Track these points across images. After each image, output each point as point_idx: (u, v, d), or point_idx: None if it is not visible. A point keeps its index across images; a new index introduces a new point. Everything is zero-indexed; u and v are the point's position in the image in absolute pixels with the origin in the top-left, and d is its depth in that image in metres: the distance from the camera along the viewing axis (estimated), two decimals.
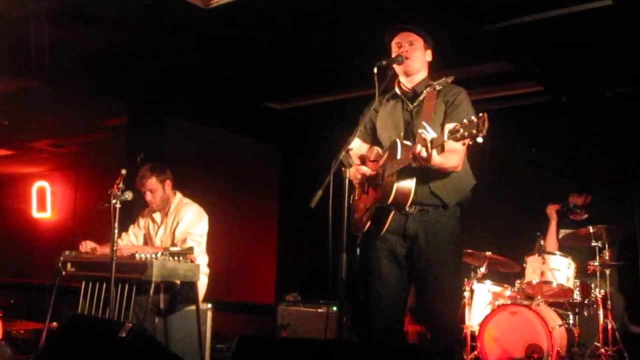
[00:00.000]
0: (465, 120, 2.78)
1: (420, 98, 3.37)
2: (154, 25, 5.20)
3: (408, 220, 3.28)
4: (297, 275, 7.58)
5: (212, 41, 5.52)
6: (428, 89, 3.36)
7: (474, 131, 2.71)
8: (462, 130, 2.76)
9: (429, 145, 2.89)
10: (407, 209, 3.25)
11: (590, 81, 6.20)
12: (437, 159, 2.98)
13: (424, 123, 3.02)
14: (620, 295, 5.52)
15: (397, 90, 3.47)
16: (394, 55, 3.39)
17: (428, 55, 3.46)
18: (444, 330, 3.25)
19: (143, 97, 7.01)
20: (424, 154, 2.90)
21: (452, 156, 3.17)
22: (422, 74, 3.44)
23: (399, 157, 3.14)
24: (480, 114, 2.73)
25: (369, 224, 3.30)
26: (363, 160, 3.50)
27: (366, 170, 3.34)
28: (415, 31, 3.40)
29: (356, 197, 3.45)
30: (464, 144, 2.82)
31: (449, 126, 3.08)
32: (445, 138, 2.85)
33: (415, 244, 3.28)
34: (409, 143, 3.22)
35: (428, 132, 2.92)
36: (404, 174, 3.13)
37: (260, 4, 4.69)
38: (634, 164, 5.92)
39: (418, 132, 3.00)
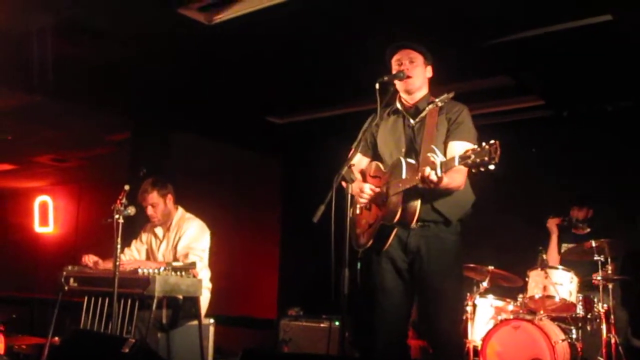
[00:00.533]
0: (476, 147, 2.78)
1: (422, 115, 3.37)
2: (158, 40, 5.23)
3: (410, 235, 3.29)
4: (300, 289, 7.57)
5: (215, 57, 5.56)
6: (430, 105, 3.37)
7: (486, 158, 2.72)
8: (473, 157, 2.77)
9: (438, 169, 2.89)
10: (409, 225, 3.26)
11: (591, 95, 6.22)
12: (444, 180, 2.99)
13: (433, 147, 3.02)
14: (623, 309, 5.50)
15: (399, 105, 3.48)
16: (394, 72, 3.40)
17: (428, 72, 3.47)
18: (446, 344, 3.25)
19: (146, 112, 7.05)
20: (433, 177, 2.90)
21: (457, 175, 3.18)
22: (423, 90, 3.45)
23: (404, 176, 3.15)
24: (492, 141, 2.74)
25: (371, 241, 3.31)
26: (363, 174, 3.51)
27: (370, 189, 3.33)
28: (415, 48, 3.41)
29: (357, 212, 3.45)
30: (473, 170, 2.82)
31: (456, 148, 3.13)
32: (456, 163, 2.85)
33: (416, 258, 3.29)
34: (412, 161, 3.23)
35: (437, 156, 2.92)
36: (409, 193, 3.14)
37: (263, 20, 4.72)
38: (636, 177, 5.93)
39: (427, 155, 3.00)
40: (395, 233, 3.28)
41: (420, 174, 2.96)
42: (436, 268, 3.25)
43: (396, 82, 3.39)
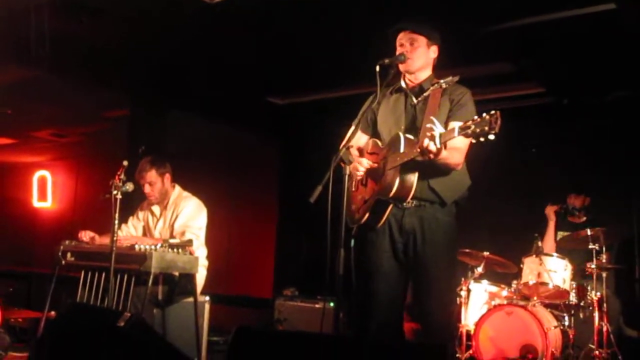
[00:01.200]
0: (476, 117, 2.79)
1: (426, 94, 3.38)
2: (158, 18, 5.21)
3: (405, 214, 3.30)
4: (295, 270, 7.61)
5: (216, 35, 5.53)
6: (435, 86, 3.37)
7: (486, 128, 2.73)
8: (473, 127, 2.78)
9: (437, 139, 2.90)
10: (404, 204, 3.27)
11: (592, 84, 6.21)
12: (443, 153, 3.00)
13: (432, 118, 3.02)
14: (616, 298, 5.54)
15: (403, 84, 3.48)
16: (397, 53, 3.40)
17: (432, 52, 3.44)
18: (437, 327, 3.27)
19: (145, 89, 7.02)
20: (432, 147, 2.90)
21: (456, 153, 3.19)
22: (426, 71, 3.45)
23: (402, 150, 3.15)
24: (493, 111, 2.74)
25: (366, 216, 3.31)
26: (360, 152, 3.49)
27: (367, 163, 3.33)
28: (415, 30, 3.40)
29: (353, 189, 3.45)
30: (473, 140, 2.82)
31: (456, 123, 3.11)
32: (456, 134, 2.86)
33: (411, 240, 3.30)
34: (411, 137, 3.23)
35: (437, 127, 2.93)
36: (406, 167, 3.15)
37: None
38: (633, 167, 5.94)
39: (426, 126, 3.01)
40: (390, 211, 3.28)
41: (419, 145, 2.96)
42: (430, 250, 3.27)
43: (399, 64, 3.38)
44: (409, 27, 3.41)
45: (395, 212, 3.30)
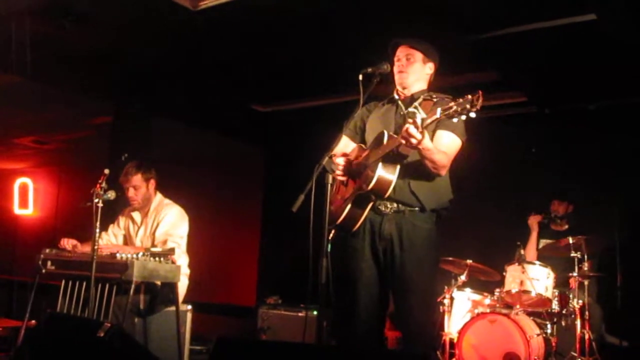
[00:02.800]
0: (459, 99, 2.81)
1: (416, 104, 3.39)
2: (142, 24, 5.19)
3: (383, 220, 3.29)
4: (279, 278, 7.58)
5: (200, 43, 5.52)
6: (425, 95, 3.39)
7: (468, 106, 2.76)
8: (455, 107, 2.81)
9: (419, 122, 2.91)
10: (383, 209, 3.27)
11: (574, 93, 6.25)
12: (427, 142, 3.02)
13: (415, 104, 3.04)
14: (598, 306, 5.57)
15: (396, 95, 3.51)
16: (394, 66, 3.44)
17: (429, 69, 3.48)
18: (418, 336, 3.26)
19: (129, 96, 6.99)
20: (413, 131, 2.91)
21: (442, 155, 3.19)
22: (420, 85, 3.48)
23: (385, 143, 3.16)
24: (476, 92, 2.77)
25: (344, 213, 3.29)
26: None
27: (342, 161, 3.32)
28: (413, 45, 3.44)
29: (334, 191, 3.44)
30: (454, 120, 2.85)
31: (444, 137, 3.21)
32: (438, 115, 2.87)
33: (390, 247, 3.29)
34: (395, 135, 3.22)
35: (419, 113, 2.95)
36: (387, 161, 3.14)
37: (250, 7, 4.69)
38: (614, 176, 5.99)
39: (408, 110, 3.03)
40: (368, 213, 3.28)
41: (402, 130, 2.96)
42: (408, 257, 3.26)
43: (395, 75, 3.43)
44: (407, 42, 3.45)
45: (373, 217, 3.30)
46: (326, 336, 3.83)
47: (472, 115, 2.77)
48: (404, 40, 3.46)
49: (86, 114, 7.67)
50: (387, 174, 3.15)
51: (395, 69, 3.44)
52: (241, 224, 8.60)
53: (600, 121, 6.26)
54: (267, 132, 8.03)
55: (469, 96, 2.77)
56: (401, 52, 3.45)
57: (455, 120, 3.27)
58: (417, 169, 3.18)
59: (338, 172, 3.34)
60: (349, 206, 3.29)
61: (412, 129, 2.91)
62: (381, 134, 3.24)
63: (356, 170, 3.32)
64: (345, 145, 3.53)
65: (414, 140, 2.94)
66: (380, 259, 3.33)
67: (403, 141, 2.98)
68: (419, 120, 2.91)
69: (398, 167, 3.17)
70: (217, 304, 7.72)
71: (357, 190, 3.25)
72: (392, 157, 3.14)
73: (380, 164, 3.14)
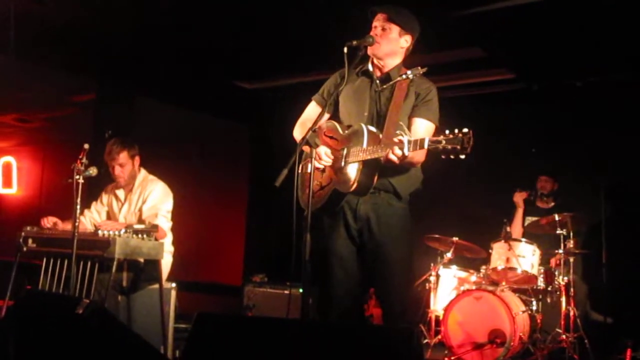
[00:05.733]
0: (448, 132, 2.73)
1: (391, 83, 3.32)
2: (124, 1, 5.09)
3: (359, 201, 3.25)
4: (265, 256, 7.56)
5: (182, 19, 5.43)
6: (402, 77, 3.30)
7: (458, 147, 2.67)
8: (444, 142, 2.72)
9: (406, 148, 2.85)
10: None
11: (562, 70, 6.23)
12: (408, 157, 2.96)
13: (401, 124, 2.98)
14: (583, 283, 5.60)
15: (370, 67, 3.40)
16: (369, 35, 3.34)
17: (404, 42, 3.35)
18: (399, 312, 3.25)
19: (112, 73, 6.88)
20: (398, 153, 2.87)
21: (420, 152, 3.12)
22: (395, 59, 3.37)
23: (365, 145, 3.09)
24: (466, 130, 2.68)
25: (322, 203, 3.25)
26: (318, 131, 3.38)
27: (326, 156, 3.24)
28: (388, 15, 3.32)
29: (308, 171, 3.37)
30: (442, 157, 2.76)
31: (420, 126, 3.17)
32: (426, 146, 2.81)
33: (366, 226, 3.27)
34: (374, 129, 3.17)
35: (405, 134, 2.87)
36: (367, 164, 3.10)
37: None
38: (601, 153, 5.99)
39: (396, 132, 2.95)
40: (345, 199, 3.25)
41: (385, 155, 2.93)
42: (385, 238, 3.24)
43: (368, 47, 3.32)
44: (384, 12, 3.34)
45: (350, 198, 3.25)
46: (313, 313, 3.81)
47: (462, 157, 2.69)
48: (381, 8, 3.34)
49: (69, 91, 7.56)
50: (367, 178, 3.12)
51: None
52: (228, 202, 8.55)
53: (587, 98, 6.24)
54: (253, 109, 7.95)
55: (460, 134, 2.68)
56: (377, 21, 3.33)
57: (433, 103, 3.25)
58: (395, 167, 3.13)
59: (322, 164, 3.27)
60: (326, 195, 3.25)
61: (397, 152, 2.88)
62: (360, 129, 3.16)
63: (335, 162, 3.24)
64: (315, 112, 3.44)
65: (397, 161, 2.92)
66: (355, 239, 3.31)
67: (384, 156, 2.95)
68: (405, 144, 2.85)
69: (377, 172, 3.14)
70: (203, 282, 7.70)
71: (334, 185, 3.21)
72: (372, 162, 3.09)
73: (360, 171, 3.10)
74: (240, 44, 5.97)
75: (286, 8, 5.13)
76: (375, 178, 3.14)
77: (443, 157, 2.76)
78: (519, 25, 5.22)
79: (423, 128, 3.23)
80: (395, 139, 2.89)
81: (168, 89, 7.19)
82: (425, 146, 2.80)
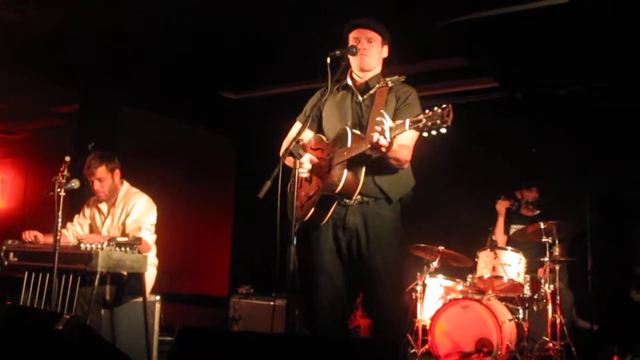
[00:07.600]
0: (427, 111, 2.75)
1: (372, 92, 3.34)
2: (107, 11, 5.06)
3: (348, 212, 3.24)
4: (251, 267, 7.52)
5: (167, 29, 5.41)
6: (381, 84, 3.34)
7: (438, 121, 2.70)
8: (424, 120, 2.74)
9: (387, 133, 2.85)
10: (347, 201, 3.23)
11: (545, 79, 6.27)
12: (393, 146, 2.96)
13: (382, 111, 2.98)
14: (569, 291, 5.61)
15: (349, 81, 3.43)
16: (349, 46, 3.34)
17: (384, 52, 3.43)
18: (389, 322, 3.24)
19: (96, 84, 6.84)
20: (383, 142, 2.86)
21: (405, 150, 3.18)
22: (376, 69, 3.42)
23: (349, 144, 3.10)
24: (445, 105, 2.72)
25: (310, 212, 3.24)
26: (304, 147, 3.41)
27: (309, 162, 3.25)
28: (373, 28, 3.36)
29: (298, 186, 3.38)
30: (425, 134, 2.79)
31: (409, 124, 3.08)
32: (407, 127, 2.82)
33: (355, 237, 3.25)
34: (358, 132, 3.18)
35: (386, 120, 2.88)
36: (353, 163, 3.09)
37: None
38: (585, 161, 6.01)
39: (376, 119, 2.96)
40: (334, 210, 3.23)
41: (369, 140, 2.91)
42: (375, 247, 3.22)
43: (350, 58, 3.34)
44: (367, 25, 3.36)
45: (337, 209, 3.24)
46: (299, 325, 3.78)
47: (443, 131, 2.72)
48: (364, 21, 3.37)
49: (52, 102, 7.51)
50: (354, 177, 3.11)
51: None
52: (214, 213, 8.52)
53: (571, 106, 6.28)
54: (238, 120, 7.93)
55: (439, 110, 2.71)
56: (361, 34, 3.35)
57: (414, 105, 3.26)
58: (381, 164, 3.14)
59: (303, 173, 3.27)
60: (314, 203, 3.23)
61: (382, 140, 2.86)
62: (344, 132, 3.17)
63: (320, 168, 3.25)
64: (299, 132, 3.45)
65: (383, 149, 2.90)
66: (343, 251, 3.29)
67: (370, 149, 2.94)
68: (387, 128, 2.85)
69: (364, 168, 3.12)
70: (190, 294, 7.65)
71: (322, 191, 3.20)
72: (357, 159, 3.08)
73: (346, 169, 3.09)
74: (225, 54, 5.95)
75: (271, 19, 5.12)
76: (362, 177, 3.11)
77: (426, 134, 2.79)
78: (503, 34, 5.25)
79: (407, 131, 3.24)
80: (377, 127, 2.89)
81: (153, 99, 7.16)
82: (407, 127, 2.81)
